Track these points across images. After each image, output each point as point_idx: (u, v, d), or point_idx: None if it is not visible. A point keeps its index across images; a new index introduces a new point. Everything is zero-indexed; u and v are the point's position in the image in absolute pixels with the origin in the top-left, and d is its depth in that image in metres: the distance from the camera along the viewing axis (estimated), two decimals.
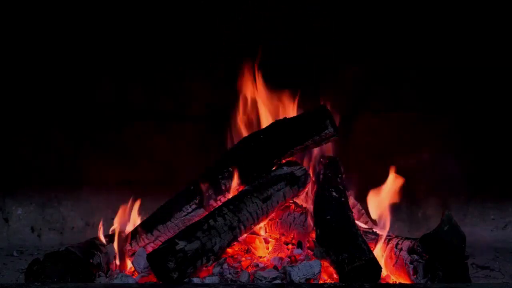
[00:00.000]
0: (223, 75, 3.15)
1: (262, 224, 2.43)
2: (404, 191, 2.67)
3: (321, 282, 2.09)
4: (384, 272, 2.18)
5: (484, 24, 3.13)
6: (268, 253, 2.35)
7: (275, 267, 2.16)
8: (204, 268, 2.13)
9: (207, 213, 2.30)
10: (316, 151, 2.63)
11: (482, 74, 3.18)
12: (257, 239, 2.40)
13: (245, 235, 2.32)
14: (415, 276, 2.08)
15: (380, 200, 2.44)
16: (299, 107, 2.64)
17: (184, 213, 2.39)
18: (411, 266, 2.09)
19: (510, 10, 3.08)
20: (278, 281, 2.06)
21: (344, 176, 2.59)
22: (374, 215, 2.46)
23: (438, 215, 2.14)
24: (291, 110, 2.64)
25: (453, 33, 3.14)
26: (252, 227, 2.30)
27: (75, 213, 3.23)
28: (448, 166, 3.20)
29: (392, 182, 2.45)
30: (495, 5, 3.09)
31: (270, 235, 2.47)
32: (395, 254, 2.19)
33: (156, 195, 2.75)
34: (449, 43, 3.15)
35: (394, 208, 2.45)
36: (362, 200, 2.62)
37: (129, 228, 2.46)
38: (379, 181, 2.53)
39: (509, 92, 3.19)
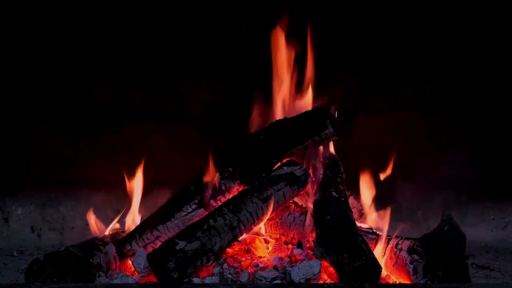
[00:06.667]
0: (223, 75, 3.15)
1: (262, 224, 2.43)
2: (404, 191, 2.67)
3: (321, 282, 2.09)
4: (384, 272, 2.18)
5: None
6: (268, 253, 2.35)
7: (275, 267, 2.16)
8: (204, 268, 2.13)
9: (207, 213, 2.30)
10: (316, 151, 2.62)
11: (481, 73, 3.18)
12: (257, 239, 2.40)
13: (245, 235, 2.32)
14: (415, 276, 2.08)
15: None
16: None
17: (184, 213, 2.39)
18: (411, 266, 2.09)
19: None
20: (278, 281, 2.06)
21: (344, 176, 2.59)
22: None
23: (438, 215, 2.14)
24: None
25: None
26: (252, 227, 2.30)
27: (75, 213, 3.23)
28: (448, 166, 3.20)
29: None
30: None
31: (270, 235, 2.47)
32: (395, 254, 2.19)
33: (156, 195, 2.76)
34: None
35: (394, 208, 2.45)
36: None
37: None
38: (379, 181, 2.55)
39: (509, 92, 3.20)
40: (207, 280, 2.08)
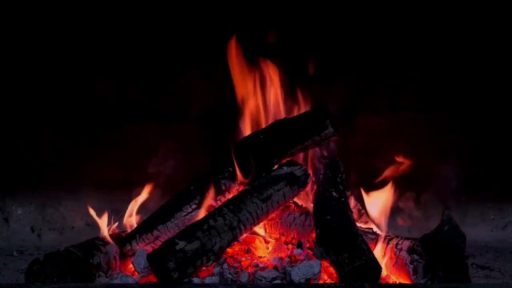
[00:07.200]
0: (223, 75, 3.15)
1: (262, 224, 2.43)
2: (404, 191, 2.67)
3: (321, 282, 2.09)
4: (384, 272, 2.18)
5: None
6: (268, 253, 2.35)
7: (275, 267, 2.16)
8: (204, 268, 2.13)
9: (207, 213, 2.30)
10: (316, 151, 2.63)
11: (482, 74, 3.18)
12: (257, 239, 2.40)
13: (245, 235, 2.32)
14: (415, 276, 2.08)
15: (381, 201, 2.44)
16: None
17: (184, 213, 2.39)
18: (411, 266, 2.09)
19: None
20: (278, 281, 2.06)
21: (344, 176, 2.59)
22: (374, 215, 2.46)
23: (438, 215, 2.14)
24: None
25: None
26: (252, 227, 2.30)
27: (75, 213, 3.23)
28: (448, 166, 3.20)
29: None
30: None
31: (270, 235, 2.47)
32: (395, 254, 2.19)
33: (156, 195, 2.76)
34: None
35: (394, 208, 2.45)
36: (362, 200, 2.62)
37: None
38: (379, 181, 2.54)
39: (509, 92, 3.20)
40: (207, 280, 2.08)
